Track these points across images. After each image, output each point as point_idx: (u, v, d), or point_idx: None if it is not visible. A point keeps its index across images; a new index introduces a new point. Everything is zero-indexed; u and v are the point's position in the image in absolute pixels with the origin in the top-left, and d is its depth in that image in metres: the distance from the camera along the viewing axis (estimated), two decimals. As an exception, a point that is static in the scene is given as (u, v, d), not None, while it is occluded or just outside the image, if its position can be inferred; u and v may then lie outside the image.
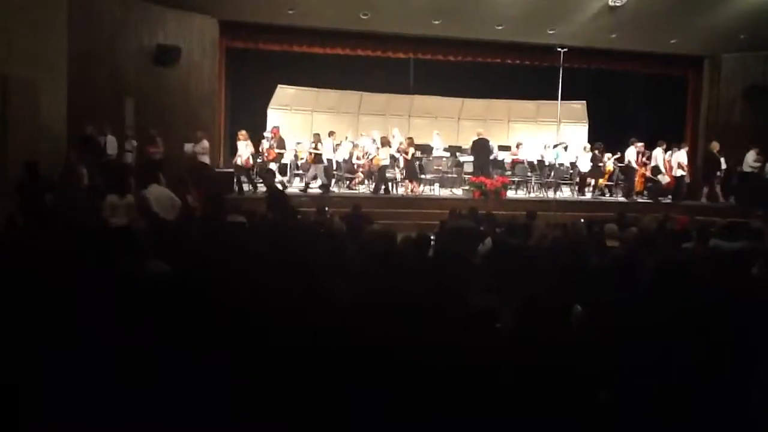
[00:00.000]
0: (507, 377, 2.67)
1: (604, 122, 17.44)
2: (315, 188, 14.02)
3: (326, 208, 9.75)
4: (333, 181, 14.39)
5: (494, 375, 2.69)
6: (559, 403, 2.56)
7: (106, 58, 12.07)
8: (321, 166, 13.57)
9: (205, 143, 12.53)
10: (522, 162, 15.63)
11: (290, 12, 13.61)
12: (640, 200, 14.74)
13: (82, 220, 6.77)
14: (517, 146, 16.08)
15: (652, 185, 14.93)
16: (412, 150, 13.98)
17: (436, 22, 14.26)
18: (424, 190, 14.66)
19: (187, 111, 13.52)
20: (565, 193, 15.37)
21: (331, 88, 17.24)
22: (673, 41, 15.16)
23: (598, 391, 2.83)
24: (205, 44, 13.95)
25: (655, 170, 14.86)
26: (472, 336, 3.02)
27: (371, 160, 14.26)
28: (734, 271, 5.17)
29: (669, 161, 14.75)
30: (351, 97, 17.61)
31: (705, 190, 14.90)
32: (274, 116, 16.78)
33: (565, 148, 15.69)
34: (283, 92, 16.88)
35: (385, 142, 14.04)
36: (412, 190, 14.09)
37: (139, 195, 7.77)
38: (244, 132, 13.63)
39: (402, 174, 14.36)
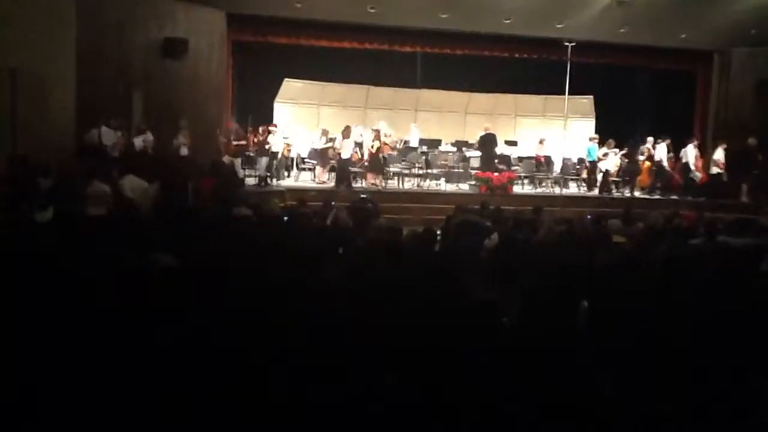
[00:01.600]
0: (512, 371, 2.67)
1: (611, 117, 17.35)
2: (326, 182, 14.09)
3: (333, 203, 9.74)
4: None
5: (499, 368, 2.69)
6: (564, 397, 2.56)
7: (115, 51, 12.09)
8: (265, 158, 13.34)
9: (149, 136, 12.04)
10: (544, 159, 15.31)
11: (297, 5, 13.58)
12: (673, 197, 14.41)
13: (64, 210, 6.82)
14: (541, 142, 15.65)
15: (685, 183, 14.65)
16: (377, 143, 13.80)
17: (444, 16, 14.21)
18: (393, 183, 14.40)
19: (195, 104, 13.52)
20: (572, 188, 15.31)
21: (338, 81, 17.23)
22: (682, 36, 15.04)
23: (603, 385, 2.83)
24: (212, 37, 13.94)
25: (686, 168, 14.60)
26: (478, 330, 3.02)
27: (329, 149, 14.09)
28: (742, 268, 5.15)
29: (699, 158, 14.56)
30: (358, 90, 17.59)
31: (745, 187, 14.31)
32: (280, 110, 16.80)
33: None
34: (290, 86, 16.88)
35: (346, 135, 13.79)
36: (373, 183, 13.89)
37: (117, 184, 8.02)
38: (184, 122, 12.74)
39: (365, 166, 14.17)
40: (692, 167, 14.55)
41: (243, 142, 13.39)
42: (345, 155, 13.64)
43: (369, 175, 14.05)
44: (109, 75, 11.86)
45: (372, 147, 13.84)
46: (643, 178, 15.09)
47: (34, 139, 9.45)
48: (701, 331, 3.29)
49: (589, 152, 15.03)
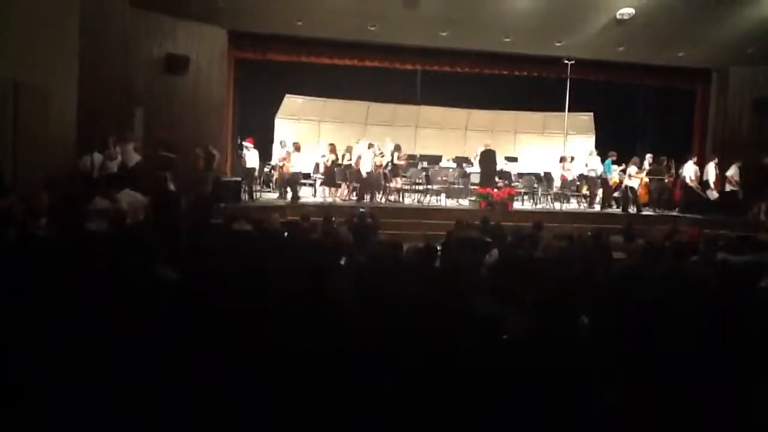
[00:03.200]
0: (512, 387, 2.67)
1: (611, 134, 17.42)
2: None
3: (333, 218, 9.75)
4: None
5: (499, 384, 2.69)
6: (565, 412, 2.56)
7: (117, 66, 12.15)
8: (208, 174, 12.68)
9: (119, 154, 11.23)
10: (571, 178, 15.27)
11: (299, 23, 13.69)
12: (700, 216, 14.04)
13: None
14: (571, 160, 15.45)
15: (697, 199, 14.61)
16: (333, 156, 13.87)
17: (444, 34, 14.31)
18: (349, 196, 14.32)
19: (196, 120, 13.59)
20: (572, 204, 15.31)
21: (338, 98, 17.31)
22: (680, 54, 15.16)
23: (604, 399, 2.82)
24: (214, 54, 14.04)
25: (705, 185, 14.61)
26: (478, 346, 3.02)
27: (282, 167, 14.00)
28: (742, 284, 5.15)
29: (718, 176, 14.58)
30: (358, 107, 17.68)
31: (765, 206, 13.99)
32: (281, 126, 16.86)
33: (572, 159, 15.59)
34: (291, 102, 16.97)
35: (297, 148, 13.85)
36: (333, 195, 13.93)
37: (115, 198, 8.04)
38: (128, 133, 11.72)
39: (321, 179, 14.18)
40: (711, 185, 14.55)
41: (169, 154, 11.96)
42: (295, 169, 13.68)
43: (324, 188, 14.10)
44: (111, 90, 11.90)
45: (327, 161, 13.92)
46: (642, 194, 15.05)
47: (35, 153, 9.47)
48: (701, 347, 3.29)
49: (606, 167, 14.90)
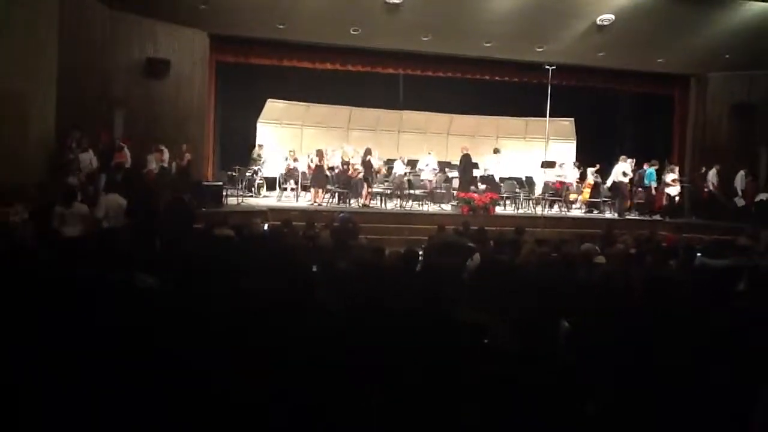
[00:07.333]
0: (494, 391, 2.67)
1: (591, 139, 17.55)
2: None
3: (315, 223, 9.73)
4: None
5: (482, 389, 2.69)
6: (547, 416, 2.56)
7: (96, 71, 12.05)
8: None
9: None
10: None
11: (280, 27, 13.66)
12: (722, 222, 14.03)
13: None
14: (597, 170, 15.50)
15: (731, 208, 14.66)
16: (188, 156, 13.04)
17: (426, 39, 14.36)
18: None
19: (177, 124, 13.50)
20: (554, 209, 15.40)
21: (320, 102, 17.27)
22: (659, 60, 15.34)
23: (585, 404, 2.83)
24: (194, 58, 13.96)
25: (733, 193, 14.76)
26: (460, 351, 3.02)
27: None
28: (720, 288, 5.20)
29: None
30: (341, 111, 17.64)
31: None
32: (263, 130, 16.80)
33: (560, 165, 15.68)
34: (273, 106, 16.89)
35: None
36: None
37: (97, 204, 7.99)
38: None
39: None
40: (740, 193, 14.67)
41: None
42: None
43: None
44: (91, 94, 11.80)
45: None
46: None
47: (13, 159, 9.36)
48: (681, 350, 3.31)
49: (648, 176, 14.91)
